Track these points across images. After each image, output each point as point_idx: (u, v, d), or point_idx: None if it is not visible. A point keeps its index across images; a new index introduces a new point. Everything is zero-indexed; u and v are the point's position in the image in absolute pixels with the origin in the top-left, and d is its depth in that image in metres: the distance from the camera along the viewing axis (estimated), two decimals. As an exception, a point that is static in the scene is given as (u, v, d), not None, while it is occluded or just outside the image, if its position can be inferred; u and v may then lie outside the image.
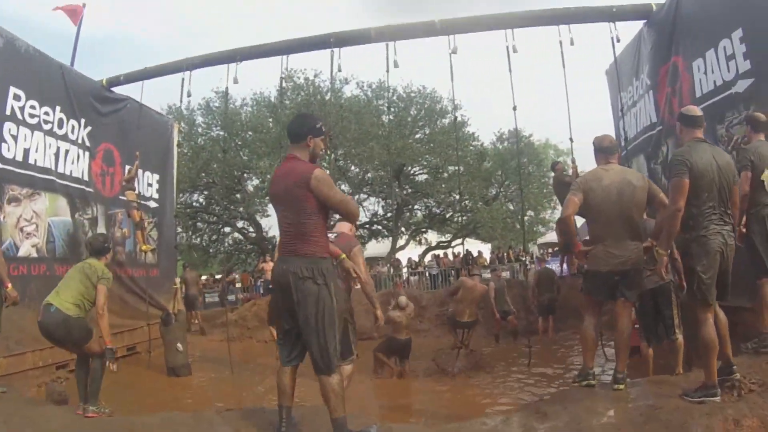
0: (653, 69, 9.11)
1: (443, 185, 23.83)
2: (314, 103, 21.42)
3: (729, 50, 6.86)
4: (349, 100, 22.75)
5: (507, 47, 8.71)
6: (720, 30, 7.02)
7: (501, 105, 54.48)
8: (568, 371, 8.46)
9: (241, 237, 26.79)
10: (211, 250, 26.07)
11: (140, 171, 10.75)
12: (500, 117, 51.93)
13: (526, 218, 25.63)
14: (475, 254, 24.13)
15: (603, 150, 4.67)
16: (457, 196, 24.51)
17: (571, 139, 9.26)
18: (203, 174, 23.10)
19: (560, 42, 8.58)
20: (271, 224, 24.77)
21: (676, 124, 4.35)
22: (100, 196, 9.98)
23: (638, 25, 9.60)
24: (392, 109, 22.02)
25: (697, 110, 4.32)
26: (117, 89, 10.60)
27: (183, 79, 9.59)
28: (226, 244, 26.57)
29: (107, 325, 5.02)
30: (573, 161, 9.50)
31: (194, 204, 25.06)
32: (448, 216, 26.22)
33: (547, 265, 13.90)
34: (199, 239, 25.68)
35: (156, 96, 35.42)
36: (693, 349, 5.35)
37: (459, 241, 26.31)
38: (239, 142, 23.38)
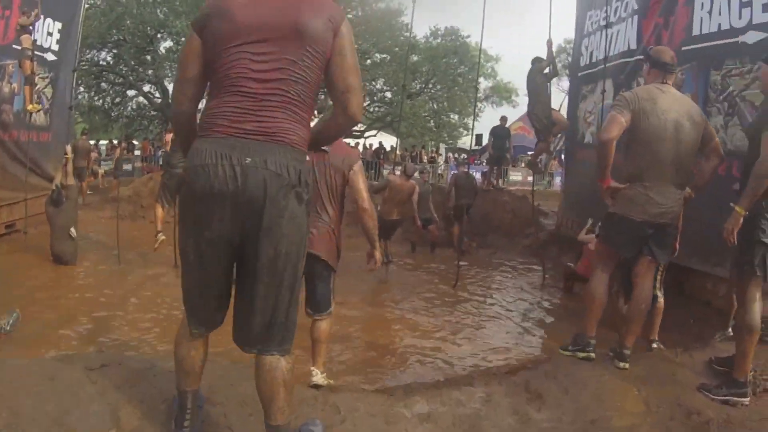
0: (645, -7, 8.10)
1: (366, 72, 22.45)
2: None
3: None
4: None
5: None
6: (739, -29, 6.06)
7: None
8: (496, 297, 7.88)
9: (145, 102, 24.65)
10: (113, 114, 23.86)
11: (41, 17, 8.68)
12: (436, 11, 49.84)
13: (449, 120, 24.96)
14: (387, 149, 23.23)
15: (662, 65, 3.57)
16: (378, 86, 23.38)
17: (549, 40, 8.63)
18: (114, 30, 20.78)
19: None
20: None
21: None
22: (-11, 43, 7.92)
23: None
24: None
25: None
26: None
27: None
28: (129, 108, 24.44)
29: None
30: (553, 61, 8.53)
31: (101, 62, 22.62)
32: (365, 105, 24.88)
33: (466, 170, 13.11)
34: (101, 101, 23.44)
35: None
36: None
37: (373, 133, 25.31)
38: (158, -1, 21.07)
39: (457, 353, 5.33)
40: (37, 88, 8.75)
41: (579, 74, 10.16)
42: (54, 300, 6.18)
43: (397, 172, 10.37)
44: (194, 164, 2.02)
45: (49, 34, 9.46)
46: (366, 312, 6.63)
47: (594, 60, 9.42)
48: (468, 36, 24.54)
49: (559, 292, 8.11)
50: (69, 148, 8.38)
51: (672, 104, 3.44)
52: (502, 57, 30.55)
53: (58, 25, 9.62)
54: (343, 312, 5.99)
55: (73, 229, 7.59)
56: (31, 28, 8.21)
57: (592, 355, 3.60)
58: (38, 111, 8.89)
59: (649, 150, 3.42)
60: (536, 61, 8.45)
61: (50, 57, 9.57)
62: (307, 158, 2.19)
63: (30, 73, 8.17)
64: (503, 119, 13.41)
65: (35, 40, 8.46)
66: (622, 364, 3.52)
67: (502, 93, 29.85)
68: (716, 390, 3.24)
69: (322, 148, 3.35)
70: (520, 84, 8.15)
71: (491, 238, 11.84)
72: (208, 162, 1.98)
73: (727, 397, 3.17)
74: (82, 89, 21.13)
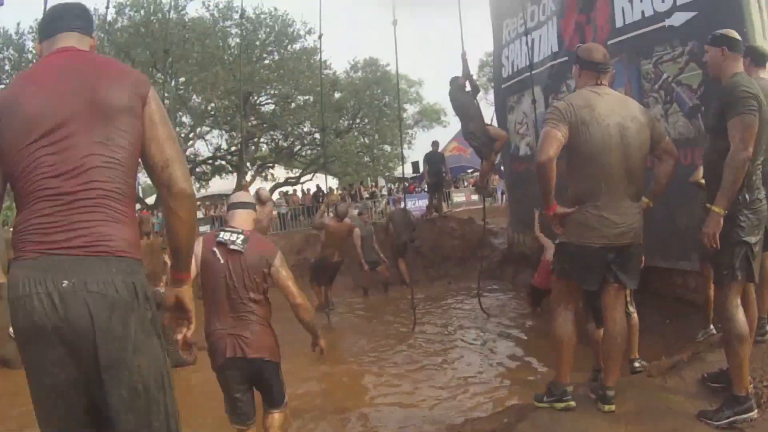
0: (561, -8, 7.95)
1: (291, 116, 22.01)
2: (155, 21, 18.82)
3: None
4: (193, 21, 20.13)
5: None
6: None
7: (356, 29, 52.73)
8: (458, 333, 7.41)
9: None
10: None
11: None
12: (353, 45, 50.20)
13: (383, 152, 24.72)
14: (326, 191, 22.74)
15: (593, 66, 3.14)
16: (305, 128, 23.00)
17: (464, 52, 8.09)
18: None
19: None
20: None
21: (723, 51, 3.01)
22: None
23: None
24: (240, 31, 19.62)
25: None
26: None
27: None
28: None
29: None
30: (470, 76, 8.17)
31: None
32: (296, 150, 24.40)
33: (403, 205, 12.75)
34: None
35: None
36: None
37: (309, 176, 24.82)
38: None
39: (425, 413, 4.79)
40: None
41: (503, 86, 9.91)
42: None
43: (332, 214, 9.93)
44: (10, 299, 1.62)
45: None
46: (319, 378, 5.97)
47: (516, 69, 9.21)
48: (388, 65, 24.42)
49: (521, 313, 7.76)
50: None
51: (613, 107, 3.03)
52: (424, 80, 30.63)
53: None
54: (295, 390, 5.38)
55: (11, 329, 6.75)
56: None
57: (572, 403, 3.13)
58: None
59: (595, 163, 2.98)
60: (453, 80, 8.11)
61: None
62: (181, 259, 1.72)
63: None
64: (434, 144, 13.07)
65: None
66: (607, 407, 3.07)
67: (430, 115, 29.86)
68: (718, 415, 2.86)
69: (233, 248, 3.14)
70: (447, 103, 7.99)
71: (444, 267, 11.37)
72: (22, 293, 1.58)
73: (731, 419, 2.81)
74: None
